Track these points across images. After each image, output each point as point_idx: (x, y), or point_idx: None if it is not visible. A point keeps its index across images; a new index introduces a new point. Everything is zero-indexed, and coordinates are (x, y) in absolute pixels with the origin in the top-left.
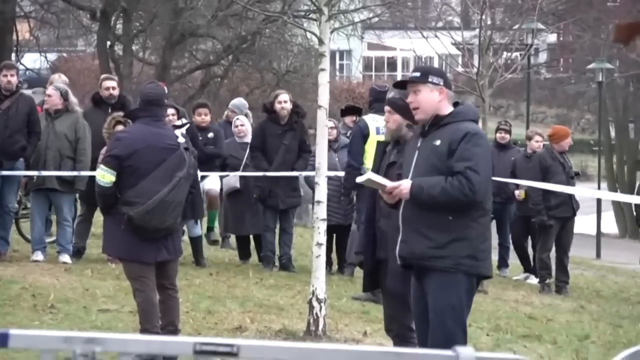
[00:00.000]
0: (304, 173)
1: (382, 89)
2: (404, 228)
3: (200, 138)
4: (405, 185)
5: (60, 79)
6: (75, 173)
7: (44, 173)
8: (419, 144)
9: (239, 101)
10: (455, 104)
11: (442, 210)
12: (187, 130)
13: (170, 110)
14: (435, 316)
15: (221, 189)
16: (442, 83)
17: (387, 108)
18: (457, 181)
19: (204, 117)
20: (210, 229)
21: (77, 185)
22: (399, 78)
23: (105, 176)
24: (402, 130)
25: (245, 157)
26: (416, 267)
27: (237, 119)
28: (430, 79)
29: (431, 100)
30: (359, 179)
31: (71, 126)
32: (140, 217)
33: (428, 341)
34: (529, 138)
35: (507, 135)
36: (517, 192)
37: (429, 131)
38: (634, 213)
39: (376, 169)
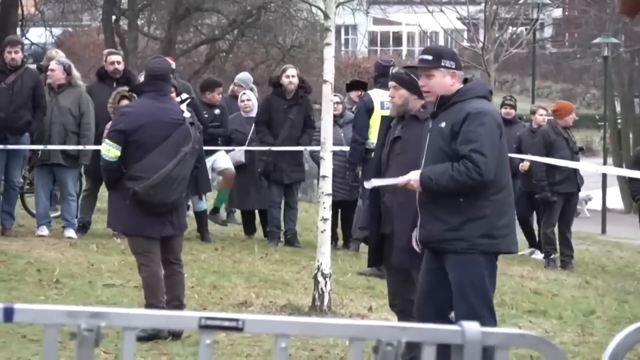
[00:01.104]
0: (309, 148)
1: (387, 64)
2: (422, 212)
3: (207, 115)
4: (414, 177)
5: (57, 55)
6: (80, 147)
7: (50, 147)
8: (430, 126)
9: (245, 75)
10: (465, 81)
11: (455, 193)
12: (189, 104)
13: None
14: (457, 292)
15: None
16: (454, 66)
17: (392, 83)
18: (463, 166)
19: (216, 95)
20: (216, 209)
21: (82, 160)
22: (404, 53)
23: (110, 150)
24: (409, 105)
25: (250, 132)
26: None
27: (244, 93)
28: (443, 63)
29: (444, 84)
30: (367, 185)
31: (75, 101)
32: (145, 191)
33: (434, 318)
34: (533, 112)
35: (513, 111)
36: (521, 165)
37: (437, 112)
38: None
39: (381, 144)
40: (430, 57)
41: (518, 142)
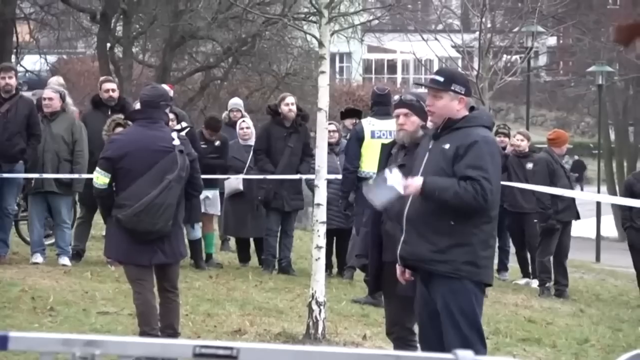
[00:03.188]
0: (306, 176)
1: (383, 92)
2: (407, 229)
3: (206, 146)
4: (416, 183)
5: (57, 82)
6: (75, 176)
7: (45, 176)
8: (430, 146)
9: (238, 100)
10: (471, 109)
11: (446, 214)
12: (187, 134)
13: (170, 115)
14: (447, 321)
15: (222, 193)
16: (463, 92)
17: (402, 110)
18: (472, 187)
19: (217, 134)
20: (209, 256)
21: (75, 187)
22: (399, 81)
23: (99, 178)
24: (420, 132)
25: (248, 160)
26: (421, 271)
27: (243, 120)
28: (453, 87)
29: (451, 108)
30: (376, 205)
31: (68, 128)
32: (129, 219)
33: (439, 346)
34: (513, 136)
35: (506, 139)
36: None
37: (440, 134)
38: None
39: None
40: (441, 79)
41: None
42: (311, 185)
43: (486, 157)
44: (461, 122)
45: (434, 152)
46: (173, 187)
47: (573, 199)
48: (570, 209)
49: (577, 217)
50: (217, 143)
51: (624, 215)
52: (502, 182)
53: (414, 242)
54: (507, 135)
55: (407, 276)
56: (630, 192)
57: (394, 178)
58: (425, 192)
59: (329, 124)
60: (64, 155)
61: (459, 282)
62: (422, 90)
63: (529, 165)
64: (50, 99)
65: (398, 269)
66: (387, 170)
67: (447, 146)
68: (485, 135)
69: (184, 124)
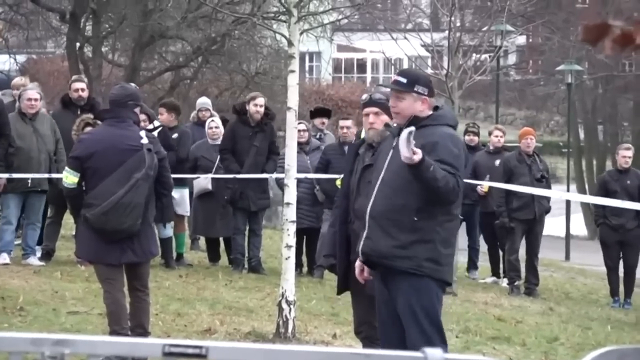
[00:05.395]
0: (275, 175)
1: None
2: (370, 225)
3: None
4: (418, 152)
5: (21, 82)
6: (45, 175)
7: (15, 176)
8: (394, 144)
9: (206, 99)
10: (435, 108)
11: (410, 210)
12: (159, 133)
13: (142, 116)
14: (409, 319)
15: (192, 193)
16: (426, 93)
17: (372, 109)
18: (453, 179)
19: (159, 116)
20: (180, 256)
21: (60, 186)
22: (368, 80)
23: (68, 177)
24: (387, 131)
25: (217, 159)
26: (381, 269)
27: (212, 120)
28: (416, 88)
29: (414, 109)
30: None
31: (51, 127)
32: (96, 218)
33: (400, 344)
34: (490, 133)
35: (476, 138)
36: (480, 187)
37: None
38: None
39: (349, 171)
40: (404, 81)
41: (474, 166)
42: (281, 184)
43: (453, 155)
44: (427, 120)
45: (398, 150)
46: (140, 185)
47: (532, 198)
48: (528, 208)
49: (535, 216)
50: (175, 135)
51: (598, 212)
52: (470, 181)
53: (376, 237)
54: (477, 134)
55: (365, 275)
56: (604, 190)
57: (403, 137)
58: (424, 160)
59: (299, 123)
60: (52, 155)
61: (420, 280)
62: None
63: (497, 162)
64: (35, 99)
65: (357, 267)
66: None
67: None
68: (451, 133)
69: (156, 124)
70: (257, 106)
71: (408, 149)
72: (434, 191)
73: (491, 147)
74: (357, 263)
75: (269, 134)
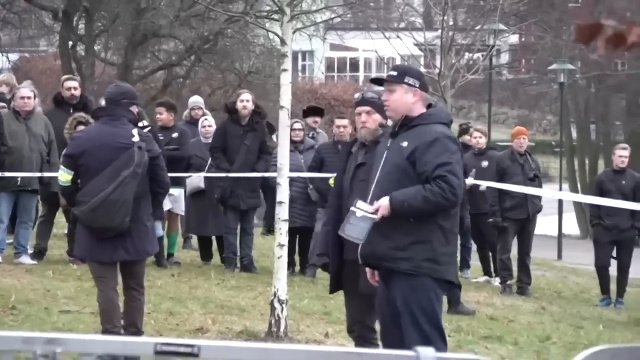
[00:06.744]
0: (268, 174)
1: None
2: None
3: (163, 137)
4: (383, 204)
5: (4, 79)
6: (38, 175)
7: (7, 174)
8: (389, 144)
9: (199, 98)
10: (429, 106)
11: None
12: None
13: None
14: (408, 318)
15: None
16: (418, 85)
17: (365, 108)
18: (437, 187)
19: (159, 116)
20: (171, 255)
21: (54, 187)
22: (361, 79)
23: (62, 175)
24: (380, 130)
25: (210, 158)
26: (382, 270)
27: (206, 119)
28: (406, 80)
29: (404, 101)
30: (341, 233)
31: (45, 127)
32: (85, 216)
33: (402, 344)
34: (470, 135)
35: (468, 137)
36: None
37: (398, 132)
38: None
39: (342, 170)
40: (395, 73)
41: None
42: (274, 184)
43: (448, 153)
44: (419, 120)
45: (393, 150)
46: (129, 183)
47: (525, 197)
48: (521, 207)
49: (528, 216)
50: (175, 135)
51: (593, 212)
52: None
53: (374, 240)
54: (471, 134)
55: (377, 278)
56: (600, 190)
57: (362, 209)
58: (394, 208)
59: (295, 122)
60: (44, 155)
61: (418, 280)
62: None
63: (485, 164)
64: (29, 98)
65: (368, 272)
66: (352, 208)
67: (405, 144)
68: (444, 131)
69: (145, 123)
70: (243, 102)
71: (371, 217)
72: (427, 214)
73: (476, 149)
74: (366, 268)
75: (261, 133)
